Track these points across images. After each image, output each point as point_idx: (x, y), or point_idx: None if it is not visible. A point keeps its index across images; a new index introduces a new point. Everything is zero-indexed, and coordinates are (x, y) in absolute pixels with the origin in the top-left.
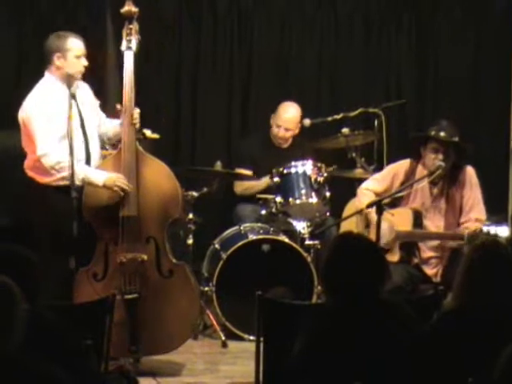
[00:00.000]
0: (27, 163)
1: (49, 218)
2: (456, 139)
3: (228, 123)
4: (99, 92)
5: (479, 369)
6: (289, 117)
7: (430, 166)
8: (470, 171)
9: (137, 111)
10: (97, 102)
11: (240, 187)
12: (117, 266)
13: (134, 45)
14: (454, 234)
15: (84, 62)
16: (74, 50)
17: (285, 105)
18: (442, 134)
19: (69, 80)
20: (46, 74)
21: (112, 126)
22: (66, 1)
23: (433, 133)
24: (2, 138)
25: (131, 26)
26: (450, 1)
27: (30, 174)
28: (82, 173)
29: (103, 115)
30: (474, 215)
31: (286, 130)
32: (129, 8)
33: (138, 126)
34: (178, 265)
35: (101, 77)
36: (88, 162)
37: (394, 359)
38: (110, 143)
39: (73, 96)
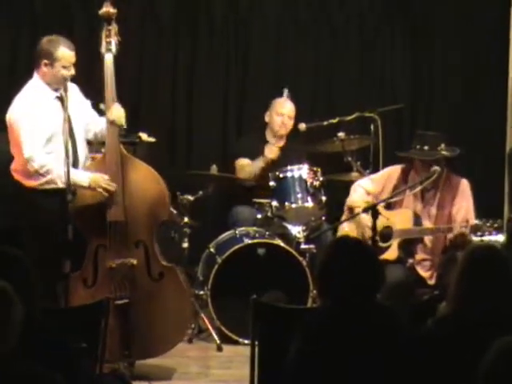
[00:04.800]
0: (14, 166)
1: (37, 221)
2: (442, 151)
3: (224, 127)
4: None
5: (474, 374)
6: (289, 106)
7: (424, 173)
8: (465, 184)
9: (120, 111)
10: (87, 102)
11: (242, 172)
12: (106, 272)
13: (113, 47)
14: (444, 228)
15: (71, 72)
16: (62, 61)
17: (280, 99)
18: (426, 147)
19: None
20: (35, 75)
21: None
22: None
23: (417, 152)
24: None
25: (110, 28)
26: (445, 7)
27: (17, 177)
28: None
29: (95, 114)
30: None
31: (289, 117)
32: (107, 9)
33: (122, 125)
34: (167, 267)
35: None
36: (75, 164)
37: (387, 362)
38: (101, 141)
39: (60, 99)
